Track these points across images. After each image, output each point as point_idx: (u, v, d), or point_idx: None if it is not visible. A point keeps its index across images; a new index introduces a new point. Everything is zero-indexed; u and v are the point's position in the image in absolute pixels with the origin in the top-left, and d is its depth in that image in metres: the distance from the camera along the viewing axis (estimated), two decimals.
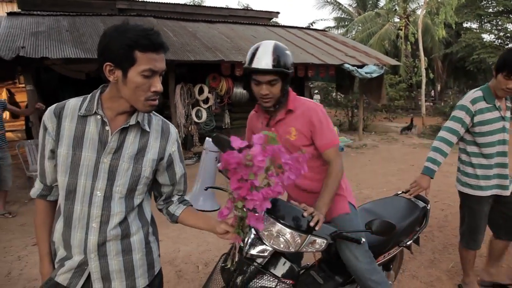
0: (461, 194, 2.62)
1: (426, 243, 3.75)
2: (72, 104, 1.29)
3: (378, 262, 2.13)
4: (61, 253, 1.33)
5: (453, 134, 2.46)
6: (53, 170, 1.32)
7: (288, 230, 1.54)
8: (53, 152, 1.29)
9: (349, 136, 11.07)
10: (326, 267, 2.11)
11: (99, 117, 1.26)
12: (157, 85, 1.22)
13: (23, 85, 9.23)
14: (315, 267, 2.14)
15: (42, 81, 8.30)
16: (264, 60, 1.72)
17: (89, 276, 1.31)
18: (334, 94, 17.09)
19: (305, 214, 1.58)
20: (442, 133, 2.51)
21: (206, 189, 1.60)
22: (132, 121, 1.29)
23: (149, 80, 1.20)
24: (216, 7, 12.06)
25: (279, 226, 1.55)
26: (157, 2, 10.99)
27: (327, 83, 14.54)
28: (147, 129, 1.33)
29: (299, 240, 1.55)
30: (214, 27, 9.86)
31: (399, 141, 10.90)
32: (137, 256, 1.36)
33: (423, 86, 14.58)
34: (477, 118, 2.42)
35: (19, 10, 9.08)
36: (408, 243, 2.23)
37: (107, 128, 1.26)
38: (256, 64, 1.74)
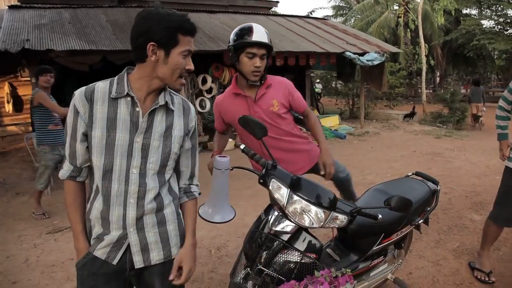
0: (506, 169, 2.80)
1: (431, 225, 3.84)
2: (102, 87, 1.35)
3: (392, 240, 2.22)
4: (97, 229, 1.40)
5: (506, 102, 2.82)
6: (85, 152, 1.36)
7: (312, 207, 1.62)
8: (85, 135, 1.34)
9: (351, 124, 11.14)
10: (341, 244, 2.20)
11: (129, 99, 1.34)
12: (191, 64, 1.36)
13: (25, 79, 9.26)
14: (331, 245, 2.23)
15: None
16: (262, 36, 2.05)
17: (126, 249, 1.40)
18: (334, 82, 17.13)
19: (326, 177, 2.09)
20: (499, 102, 2.90)
21: (231, 169, 1.68)
22: (162, 101, 1.38)
23: (185, 60, 1.34)
24: None
25: (303, 203, 1.63)
26: None
27: (327, 71, 14.56)
28: (173, 108, 1.43)
29: (323, 216, 1.63)
30: (215, 17, 9.86)
31: (400, 128, 10.97)
32: (170, 227, 1.46)
33: (424, 73, 14.61)
34: None
35: (19, 3, 9.04)
36: (419, 222, 2.31)
37: (138, 109, 1.34)
38: (257, 38, 2.03)
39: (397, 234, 2.22)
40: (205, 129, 8.49)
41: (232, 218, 1.72)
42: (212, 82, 8.41)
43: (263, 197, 5.08)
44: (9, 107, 9.56)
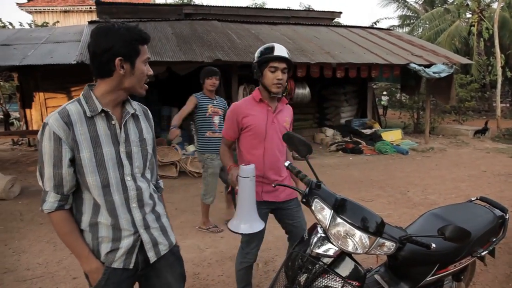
0: None
1: (501, 256, 3.49)
2: (73, 108, 1.38)
3: (448, 272, 2.04)
4: (106, 246, 1.45)
5: None
6: (72, 177, 1.39)
7: (357, 231, 1.53)
8: (71, 160, 1.37)
9: (414, 139, 10.58)
10: (391, 272, 2.06)
11: (103, 114, 1.41)
12: (150, 70, 1.47)
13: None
14: (379, 271, 2.10)
15: None
16: (282, 52, 2.26)
17: (138, 251, 1.51)
18: (398, 95, 16.42)
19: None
20: None
21: (274, 186, 1.66)
22: (131, 110, 1.50)
23: (146, 67, 1.45)
24: (278, 9, 12.13)
25: (347, 226, 1.55)
26: (221, 6, 11.34)
27: (391, 83, 14.02)
28: (138, 114, 1.56)
29: (368, 242, 1.54)
30: (276, 29, 9.95)
31: (470, 145, 10.20)
32: (164, 219, 1.63)
33: (499, 86, 13.47)
34: None
35: (98, 18, 9.84)
36: (483, 254, 2.10)
37: (113, 122, 1.43)
38: (278, 53, 2.24)
39: (455, 265, 2.04)
40: None
41: (261, 229, 1.72)
42: None
43: (311, 214, 4.99)
44: None
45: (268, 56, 2.24)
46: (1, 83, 13.24)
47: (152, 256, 1.53)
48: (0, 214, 5.19)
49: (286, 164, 1.80)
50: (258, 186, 2.44)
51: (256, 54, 2.33)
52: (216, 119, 4.16)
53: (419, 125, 12.64)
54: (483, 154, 8.91)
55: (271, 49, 2.27)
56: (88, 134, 1.38)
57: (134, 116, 1.53)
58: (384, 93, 17.00)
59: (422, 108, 12.37)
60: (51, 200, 1.40)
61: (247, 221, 1.73)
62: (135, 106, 1.55)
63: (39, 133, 1.38)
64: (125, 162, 1.45)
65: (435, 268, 1.96)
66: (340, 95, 11.02)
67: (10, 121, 13.52)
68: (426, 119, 10.47)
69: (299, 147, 1.72)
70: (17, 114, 14.64)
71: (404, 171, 7.12)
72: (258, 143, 2.36)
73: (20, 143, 11.21)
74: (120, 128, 1.45)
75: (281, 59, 2.24)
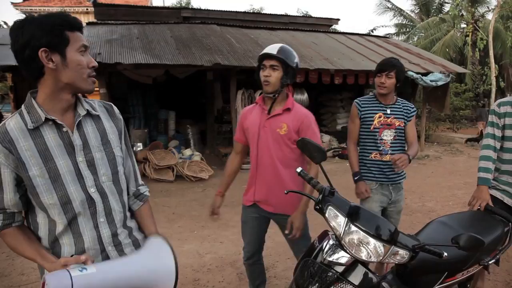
0: None
1: (501, 263, 3.50)
2: (13, 123, 1.20)
3: (456, 280, 2.03)
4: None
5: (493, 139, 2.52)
6: (17, 202, 1.23)
7: (371, 239, 1.52)
8: (15, 183, 1.21)
9: None
10: (399, 279, 2.05)
11: (50, 122, 1.22)
12: (93, 61, 1.26)
13: (96, 89, 9.96)
14: (387, 279, 2.09)
15: (112, 85, 8.88)
16: (271, 49, 2.20)
17: None
18: None
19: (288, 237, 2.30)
20: (486, 140, 2.57)
21: (286, 193, 1.63)
22: (82, 111, 1.28)
23: (86, 57, 1.23)
24: (276, 15, 12.19)
25: (361, 234, 1.53)
26: (219, 10, 11.34)
27: None
28: (97, 113, 1.34)
29: (382, 251, 1.52)
30: (275, 34, 9.98)
31: (464, 153, 10.28)
32: (136, 232, 1.45)
33: (493, 96, 13.64)
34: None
35: (96, 20, 9.80)
36: (490, 262, 2.10)
37: (65, 129, 1.24)
38: (266, 50, 2.21)
39: (462, 274, 2.03)
40: None
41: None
42: None
43: (314, 218, 4.96)
44: None
45: (259, 56, 2.28)
46: None
47: None
48: None
49: (298, 170, 1.78)
50: (251, 187, 2.43)
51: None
52: None
53: None
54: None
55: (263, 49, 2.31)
56: (35, 149, 1.18)
57: (93, 117, 1.33)
58: None
59: (417, 115, 12.46)
60: None
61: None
62: (92, 105, 1.34)
63: None
64: (86, 172, 1.26)
65: (444, 276, 1.95)
66: (336, 101, 11.06)
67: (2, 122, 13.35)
68: (422, 127, 10.55)
69: (313, 153, 1.70)
70: (10, 115, 14.45)
71: None
72: (252, 146, 2.36)
73: None
74: (73, 134, 1.25)
75: (267, 56, 2.20)
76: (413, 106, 2.77)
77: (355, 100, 2.78)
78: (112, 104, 1.45)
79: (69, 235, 1.26)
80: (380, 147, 2.66)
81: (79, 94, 1.30)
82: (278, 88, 2.21)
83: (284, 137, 2.25)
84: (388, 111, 2.67)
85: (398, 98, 2.79)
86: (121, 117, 1.45)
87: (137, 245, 1.41)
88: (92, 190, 1.27)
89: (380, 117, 2.66)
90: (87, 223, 1.27)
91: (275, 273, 3.40)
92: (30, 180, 1.19)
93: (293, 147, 2.24)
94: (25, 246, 1.25)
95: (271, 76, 2.19)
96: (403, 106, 2.73)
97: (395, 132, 2.67)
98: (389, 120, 2.67)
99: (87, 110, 1.30)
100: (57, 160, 1.21)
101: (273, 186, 2.30)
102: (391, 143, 2.66)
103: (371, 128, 2.66)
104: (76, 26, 1.21)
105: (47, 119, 1.21)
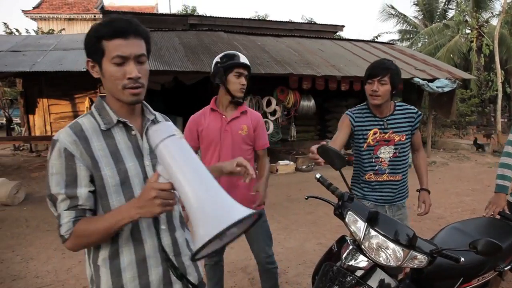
0: None
1: None
2: (87, 122, 1.21)
3: (472, 286, 2.05)
4: (131, 285, 1.21)
5: None
6: (88, 197, 1.17)
7: (390, 243, 1.55)
8: (90, 178, 1.17)
9: None
10: (414, 285, 2.07)
11: (121, 125, 1.23)
12: (132, 72, 1.15)
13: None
14: (402, 284, 2.11)
15: None
16: (246, 60, 2.38)
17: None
18: None
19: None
20: (506, 148, 2.53)
21: (307, 198, 1.67)
22: (150, 116, 1.31)
23: (123, 68, 1.15)
24: (282, 21, 12.26)
25: (380, 238, 1.57)
26: (225, 17, 11.43)
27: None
28: (161, 120, 1.37)
29: (402, 255, 1.55)
30: (281, 41, 10.05)
31: (471, 159, 10.26)
32: (191, 245, 1.36)
33: (499, 102, 13.61)
34: None
35: None
36: (506, 268, 2.12)
37: (134, 132, 1.24)
38: (243, 60, 2.36)
39: (478, 280, 2.05)
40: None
41: (244, 216, 0.84)
42: (277, 104, 8.51)
43: (324, 224, 5.01)
44: None
45: (234, 62, 2.34)
46: (5, 88, 13.24)
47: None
48: (6, 220, 5.17)
49: (317, 176, 1.82)
50: None
51: (217, 60, 2.40)
52: None
53: None
54: (485, 169, 8.96)
55: (236, 56, 2.38)
56: (107, 150, 1.19)
57: (156, 123, 1.32)
58: None
59: (423, 122, 12.45)
60: (66, 220, 1.15)
61: (211, 214, 0.88)
62: (156, 113, 1.37)
63: (48, 153, 1.17)
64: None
65: (459, 282, 1.97)
66: (342, 107, 11.06)
67: (12, 126, 13.52)
68: (428, 133, 10.55)
69: (334, 159, 1.74)
70: (18, 120, 14.65)
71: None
72: (213, 149, 2.45)
73: (21, 148, 11.19)
74: (142, 139, 1.26)
75: (245, 66, 2.35)
76: (416, 110, 2.38)
77: (347, 112, 2.40)
78: (167, 118, 1.47)
79: (129, 243, 1.21)
80: (375, 166, 2.32)
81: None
82: (244, 96, 2.47)
83: (245, 138, 2.45)
84: (385, 125, 2.29)
85: (397, 104, 2.39)
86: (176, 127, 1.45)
87: (195, 263, 1.35)
88: None
89: (375, 133, 2.30)
90: (148, 229, 1.23)
91: (286, 279, 3.42)
92: (102, 180, 1.17)
93: (250, 147, 2.50)
94: (97, 219, 1.17)
95: (245, 84, 2.39)
96: (404, 115, 2.34)
97: (395, 149, 2.30)
98: (386, 135, 2.30)
99: (155, 115, 1.34)
100: (126, 162, 1.21)
101: (234, 185, 2.41)
102: (389, 161, 2.32)
103: (364, 146, 2.33)
104: (116, 33, 1.14)
105: (118, 121, 1.22)
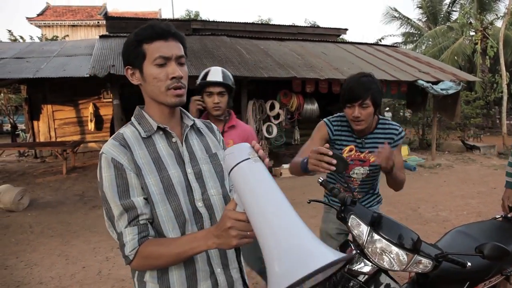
0: None
1: None
2: (128, 131, 1.20)
3: None
4: None
5: None
6: (145, 204, 1.13)
7: (394, 247, 1.53)
8: (141, 186, 1.14)
9: (421, 155, 10.57)
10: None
11: (161, 132, 1.21)
12: (175, 71, 1.14)
13: (107, 100, 10.11)
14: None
15: (125, 96, 9.00)
16: (217, 76, 2.33)
17: None
18: (402, 111, 16.47)
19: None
20: None
21: (309, 202, 1.65)
22: (189, 122, 1.27)
23: (165, 68, 1.15)
24: (284, 25, 12.27)
25: (384, 242, 1.54)
26: (228, 22, 11.45)
27: (395, 100, 14.09)
28: (200, 127, 1.32)
29: (406, 259, 1.53)
30: (284, 45, 10.05)
31: (476, 161, 10.18)
32: (240, 258, 1.29)
33: (505, 104, 13.52)
34: None
35: (108, 33, 9.98)
36: None
37: (174, 139, 1.22)
38: (211, 78, 2.33)
39: (484, 284, 2.02)
40: (270, 154, 8.55)
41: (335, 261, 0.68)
42: (280, 108, 8.51)
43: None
44: (91, 126, 10.45)
45: (203, 82, 2.34)
46: (9, 95, 13.35)
47: None
48: (10, 226, 5.18)
49: (320, 180, 1.79)
50: None
51: (199, 79, 2.40)
52: None
53: (424, 141, 12.65)
54: (491, 171, 8.89)
55: (207, 73, 2.36)
56: (149, 157, 1.16)
57: (196, 130, 1.30)
58: (387, 109, 17.04)
59: (427, 124, 12.38)
60: (130, 237, 1.09)
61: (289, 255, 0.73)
62: (194, 118, 1.32)
63: (97, 170, 1.14)
64: (194, 184, 1.19)
65: (465, 286, 1.94)
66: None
67: (16, 132, 13.62)
68: (433, 135, 10.49)
69: (337, 162, 1.72)
70: (22, 126, 14.77)
71: (412, 187, 7.09)
72: None
73: (26, 154, 11.25)
74: (183, 145, 1.22)
75: (214, 84, 2.31)
76: (398, 129, 2.10)
77: (326, 121, 2.17)
78: (211, 122, 1.42)
79: (181, 264, 1.15)
80: (345, 183, 2.14)
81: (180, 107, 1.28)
82: (225, 110, 2.44)
83: None
84: (363, 144, 2.09)
85: (380, 120, 2.13)
86: (220, 134, 1.40)
87: (242, 272, 1.26)
88: (200, 205, 1.19)
89: (351, 150, 2.10)
90: None
91: None
92: (147, 188, 1.13)
93: None
94: (169, 242, 1.10)
95: (220, 102, 2.35)
96: (384, 134, 2.09)
97: (369, 170, 2.11)
98: (362, 155, 2.09)
99: (194, 121, 1.30)
100: (169, 169, 1.17)
101: None
102: (361, 181, 2.14)
103: None
104: (156, 35, 1.14)
105: (159, 128, 1.20)
